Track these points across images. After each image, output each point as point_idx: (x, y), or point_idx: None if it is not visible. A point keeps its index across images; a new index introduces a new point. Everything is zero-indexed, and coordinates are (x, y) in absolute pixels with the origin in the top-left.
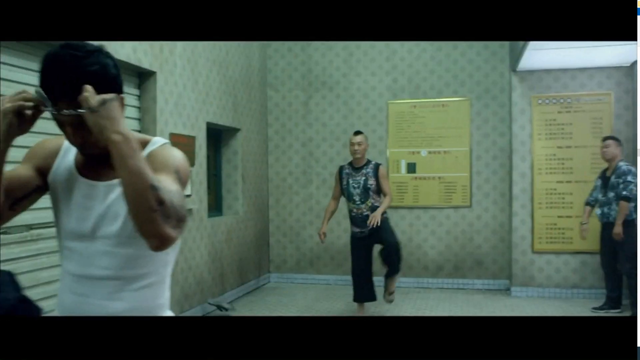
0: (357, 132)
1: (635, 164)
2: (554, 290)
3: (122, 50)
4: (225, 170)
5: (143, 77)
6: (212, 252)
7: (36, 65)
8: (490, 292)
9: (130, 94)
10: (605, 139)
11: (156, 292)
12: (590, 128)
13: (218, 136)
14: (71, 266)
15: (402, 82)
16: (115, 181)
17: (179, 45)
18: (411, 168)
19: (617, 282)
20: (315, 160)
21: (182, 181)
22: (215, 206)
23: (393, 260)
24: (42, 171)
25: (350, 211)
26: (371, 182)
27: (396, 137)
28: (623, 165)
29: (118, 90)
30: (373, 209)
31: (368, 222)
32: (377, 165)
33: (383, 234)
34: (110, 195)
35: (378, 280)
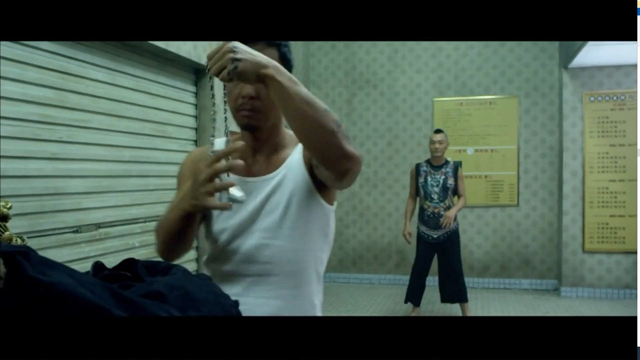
0: (438, 131)
1: None
2: (606, 291)
3: (184, 46)
4: None
5: (200, 73)
6: None
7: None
8: (538, 292)
9: (187, 90)
10: None
11: (313, 290)
12: None
13: None
14: (224, 266)
15: (449, 80)
16: (269, 176)
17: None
18: None
19: None
20: None
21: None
22: None
23: (460, 291)
24: None
25: (423, 210)
26: (451, 181)
27: None
28: None
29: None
30: (449, 209)
31: (441, 221)
32: (456, 165)
33: (452, 255)
34: (266, 189)
35: (431, 280)
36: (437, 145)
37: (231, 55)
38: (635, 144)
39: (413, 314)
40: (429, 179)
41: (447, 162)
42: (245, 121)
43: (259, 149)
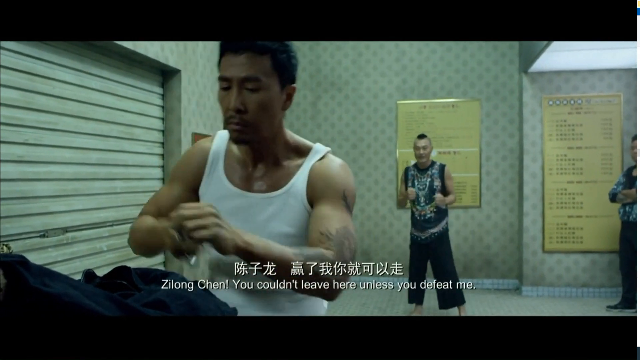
0: (422, 136)
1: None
2: (565, 290)
3: (152, 48)
4: None
5: (167, 75)
6: None
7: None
8: (500, 292)
9: (154, 92)
10: (635, 138)
11: (316, 304)
12: (601, 129)
13: None
14: (221, 277)
15: (412, 83)
16: (269, 194)
17: (201, 43)
18: None
19: (634, 283)
20: None
21: (350, 208)
22: None
23: (454, 295)
24: (193, 188)
25: (413, 213)
26: (437, 182)
27: (406, 137)
28: None
29: None
30: (437, 211)
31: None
32: (442, 166)
33: (442, 256)
34: (269, 209)
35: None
36: (421, 151)
37: (214, 220)
38: (592, 147)
39: (415, 314)
40: (416, 182)
41: (433, 163)
42: (234, 135)
43: (257, 161)
